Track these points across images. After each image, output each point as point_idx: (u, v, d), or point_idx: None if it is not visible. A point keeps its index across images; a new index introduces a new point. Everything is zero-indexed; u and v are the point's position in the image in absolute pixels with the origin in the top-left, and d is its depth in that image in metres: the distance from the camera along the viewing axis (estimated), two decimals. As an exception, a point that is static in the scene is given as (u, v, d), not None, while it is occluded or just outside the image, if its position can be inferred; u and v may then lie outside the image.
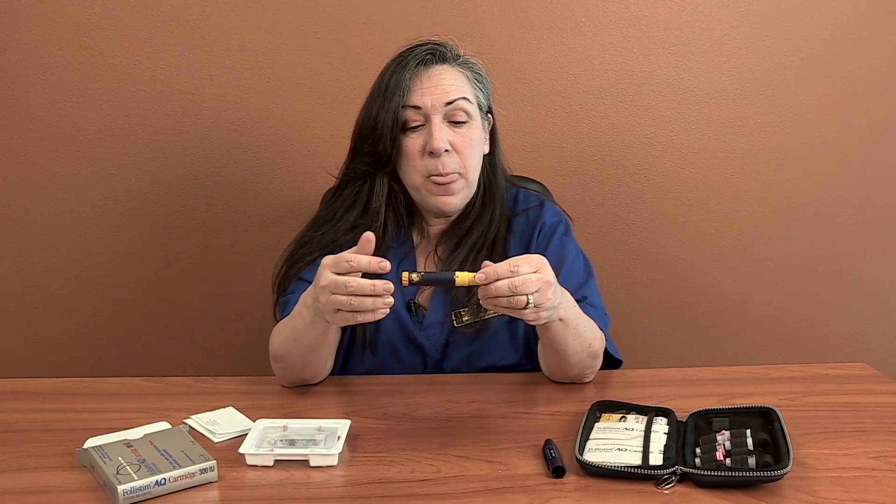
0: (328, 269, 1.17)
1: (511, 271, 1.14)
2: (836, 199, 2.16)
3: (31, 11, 1.93)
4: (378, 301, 1.14)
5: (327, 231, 1.50)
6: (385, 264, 1.14)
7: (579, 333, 1.33)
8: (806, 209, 2.16)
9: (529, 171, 1.87)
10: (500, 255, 1.50)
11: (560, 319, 1.27)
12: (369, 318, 1.16)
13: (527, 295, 1.14)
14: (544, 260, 1.18)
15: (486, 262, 1.17)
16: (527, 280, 1.14)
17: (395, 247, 1.52)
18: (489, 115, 1.54)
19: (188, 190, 2.05)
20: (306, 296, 1.28)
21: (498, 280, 1.13)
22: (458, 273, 1.16)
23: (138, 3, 1.94)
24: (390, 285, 1.14)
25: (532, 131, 2.05)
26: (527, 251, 1.51)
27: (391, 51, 1.49)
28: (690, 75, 2.06)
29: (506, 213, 1.54)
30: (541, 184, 1.82)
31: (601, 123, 2.07)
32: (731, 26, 2.04)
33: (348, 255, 1.15)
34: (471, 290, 1.47)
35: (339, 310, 1.16)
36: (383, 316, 1.16)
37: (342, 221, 1.49)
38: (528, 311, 1.15)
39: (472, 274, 1.16)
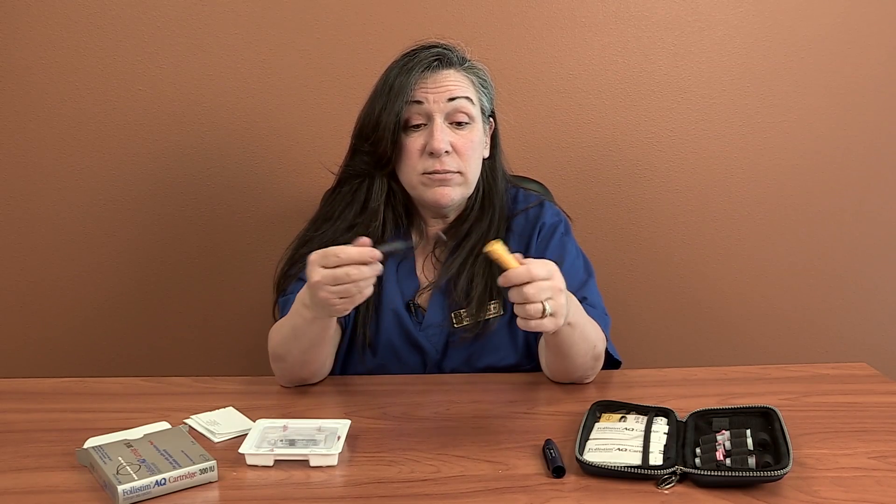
0: (317, 265, 1.18)
1: (528, 273, 1.14)
2: (836, 199, 2.16)
3: (31, 11, 1.93)
4: (367, 280, 1.18)
5: (326, 230, 1.50)
6: (376, 253, 1.16)
7: (585, 336, 1.33)
8: (806, 209, 2.16)
9: (529, 171, 1.87)
10: None
11: (568, 324, 1.26)
12: (360, 300, 1.20)
13: (542, 302, 1.14)
14: (555, 266, 1.18)
15: (518, 257, 1.17)
16: (540, 286, 1.14)
17: (393, 247, 1.52)
18: (491, 120, 1.54)
19: (188, 190, 2.05)
20: (303, 295, 1.29)
21: (513, 286, 1.14)
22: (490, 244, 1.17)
23: (138, 3, 1.94)
24: (376, 253, 1.16)
25: (532, 131, 2.05)
26: (526, 251, 1.52)
27: (391, 51, 1.49)
28: (690, 75, 2.06)
29: (505, 215, 1.53)
30: (541, 184, 1.82)
31: (601, 123, 2.07)
32: (731, 26, 2.04)
33: (336, 250, 1.17)
34: (470, 291, 1.47)
35: (342, 297, 1.18)
36: (371, 291, 1.20)
37: (340, 220, 1.49)
38: (546, 320, 1.15)
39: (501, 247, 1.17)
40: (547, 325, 1.16)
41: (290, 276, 1.50)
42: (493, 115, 1.54)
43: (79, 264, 2.07)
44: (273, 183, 2.05)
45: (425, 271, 1.53)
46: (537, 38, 2.02)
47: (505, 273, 1.15)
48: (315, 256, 1.19)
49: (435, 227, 1.54)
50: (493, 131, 1.55)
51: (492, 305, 1.48)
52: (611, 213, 2.12)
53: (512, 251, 1.50)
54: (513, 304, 1.16)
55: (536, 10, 2.00)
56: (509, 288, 1.15)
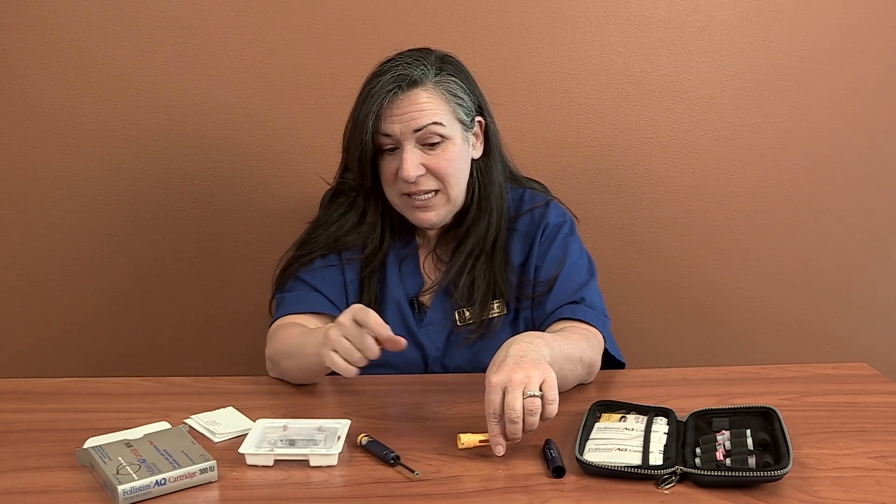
0: (351, 314, 1.19)
1: (509, 409, 1.11)
2: (836, 199, 2.15)
3: (31, 11, 1.93)
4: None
5: (322, 233, 1.52)
6: (402, 344, 1.16)
7: (567, 357, 1.31)
8: (806, 209, 2.16)
9: (529, 171, 1.85)
10: (500, 258, 1.50)
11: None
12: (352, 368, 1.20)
13: (533, 396, 1.11)
14: (509, 363, 1.15)
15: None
16: (515, 398, 1.10)
17: (397, 247, 1.53)
18: (479, 119, 1.49)
19: (188, 190, 2.05)
20: (319, 331, 1.27)
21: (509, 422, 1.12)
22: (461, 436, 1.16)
23: (138, 3, 1.94)
24: (402, 342, 1.17)
25: (532, 131, 2.05)
26: (530, 250, 1.52)
27: (391, 51, 1.49)
28: (690, 75, 2.06)
29: (506, 215, 1.52)
30: (541, 184, 1.82)
31: (601, 123, 2.07)
32: (731, 26, 2.04)
33: (375, 321, 1.16)
34: (472, 291, 1.48)
35: (334, 350, 1.19)
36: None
37: (335, 226, 1.51)
38: (550, 407, 1.12)
39: (476, 436, 1.15)
40: (553, 409, 1.13)
41: (289, 273, 1.51)
42: (481, 112, 1.49)
43: (79, 264, 2.07)
44: (273, 183, 2.05)
45: (427, 268, 1.54)
46: (537, 39, 2.02)
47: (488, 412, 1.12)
48: (356, 308, 1.20)
49: (433, 232, 1.54)
50: (487, 129, 1.50)
51: (495, 305, 1.49)
52: (610, 213, 2.12)
53: (514, 253, 1.52)
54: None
55: (536, 10, 2.00)
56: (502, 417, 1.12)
